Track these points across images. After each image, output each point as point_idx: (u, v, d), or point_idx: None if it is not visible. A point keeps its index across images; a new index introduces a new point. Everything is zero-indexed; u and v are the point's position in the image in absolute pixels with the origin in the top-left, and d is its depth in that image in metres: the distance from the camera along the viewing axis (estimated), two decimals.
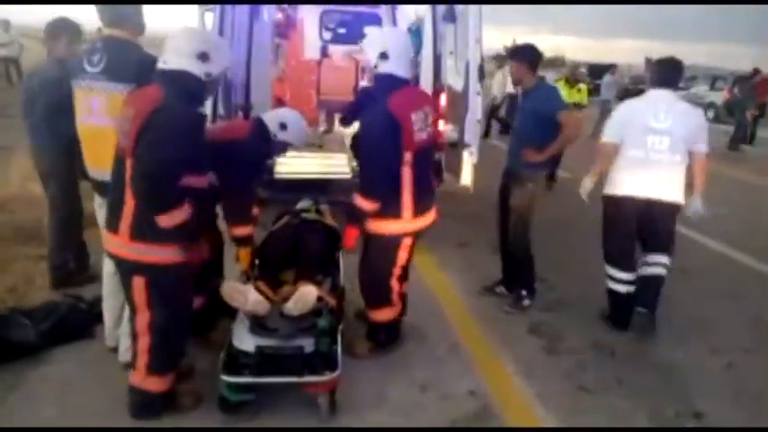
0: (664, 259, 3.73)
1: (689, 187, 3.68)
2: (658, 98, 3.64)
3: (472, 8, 4.38)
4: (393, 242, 3.14)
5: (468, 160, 4.59)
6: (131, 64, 2.74)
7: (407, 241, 3.15)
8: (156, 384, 2.58)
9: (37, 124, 3.62)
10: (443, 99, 4.97)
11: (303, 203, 4.07)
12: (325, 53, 7.63)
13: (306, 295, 2.86)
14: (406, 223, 3.08)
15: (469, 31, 4.39)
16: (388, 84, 3.00)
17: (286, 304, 2.88)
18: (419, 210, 3.08)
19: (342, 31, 8.25)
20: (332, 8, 7.97)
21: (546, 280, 4.39)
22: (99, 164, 2.82)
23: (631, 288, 3.76)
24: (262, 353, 2.67)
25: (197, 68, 2.40)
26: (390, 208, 3.03)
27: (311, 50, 7.68)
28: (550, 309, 4.10)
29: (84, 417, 2.68)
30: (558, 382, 3.23)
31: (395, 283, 3.24)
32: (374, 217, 3.05)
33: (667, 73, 3.71)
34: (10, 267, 4.10)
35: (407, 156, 2.96)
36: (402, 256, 3.18)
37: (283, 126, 3.18)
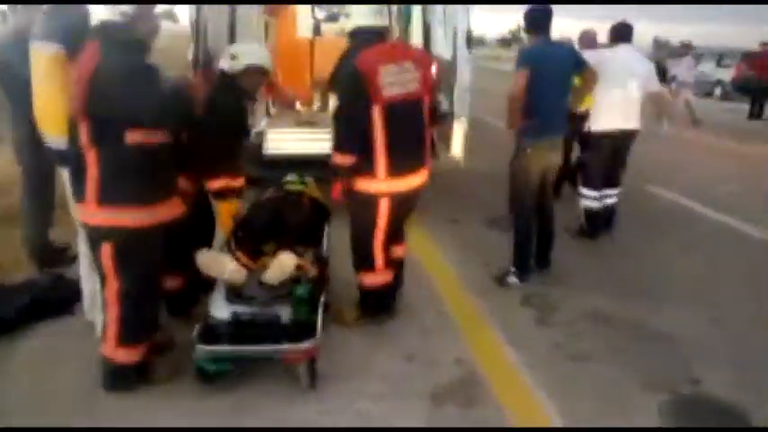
0: (616, 191, 4.87)
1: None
2: (628, 50, 4.60)
3: None
4: (370, 202, 3.03)
5: (459, 130, 4.48)
6: (61, 23, 2.67)
7: (385, 204, 3.03)
8: (126, 356, 2.51)
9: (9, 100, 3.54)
10: (434, 69, 4.83)
11: (289, 177, 3.98)
12: (318, 32, 7.50)
13: (283, 262, 2.79)
14: (380, 183, 2.97)
15: None
16: (360, 40, 2.97)
17: (264, 273, 2.80)
18: (396, 169, 2.96)
19: (335, 9, 8.12)
20: None
21: None
22: (49, 130, 2.74)
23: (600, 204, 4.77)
24: (237, 321, 2.60)
25: (109, 12, 2.28)
26: (364, 165, 2.95)
27: (304, 29, 7.55)
28: (545, 280, 4.00)
29: (59, 391, 2.62)
30: (548, 352, 3.15)
31: (378, 248, 3.15)
32: (352, 173, 2.98)
33: (626, 32, 4.65)
34: None
35: (375, 110, 2.86)
36: (382, 220, 3.06)
37: (233, 56, 3.02)
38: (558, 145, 3.95)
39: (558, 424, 2.57)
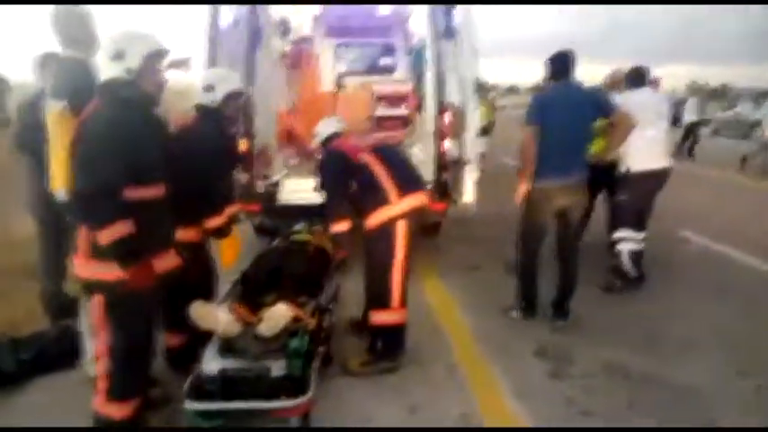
0: (644, 234, 4.63)
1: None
2: (650, 92, 4.65)
3: (466, 24, 4.31)
4: (389, 230, 3.14)
5: (470, 177, 4.42)
6: (67, 80, 2.75)
7: (402, 226, 3.14)
8: (117, 411, 2.47)
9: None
10: (447, 118, 4.84)
11: (297, 226, 3.99)
12: (340, 84, 7.68)
13: (277, 314, 2.73)
14: (394, 206, 3.14)
15: (464, 44, 4.29)
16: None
17: (259, 325, 2.75)
18: (404, 188, 3.17)
19: (357, 62, 8.35)
20: (347, 40, 8.08)
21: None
22: (53, 184, 2.82)
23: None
24: (225, 376, 2.53)
25: (115, 70, 2.31)
26: (376, 198, 3.16)
27: (327, 82, 7.75)
28: (563, 329, 3.81)
29: None
30: (560, 407, 2.96)
31: (396, 282, 3.16)
32: (366, 215, 3.19)
33: (643, 77, 4.62)
34: (14, 300, 4.15)
35: (362, 156, 3.25)
36: (400, 244, 3.14)
37: (209, 88, 3.04)
38: (573, 188, 3.81)
39: None
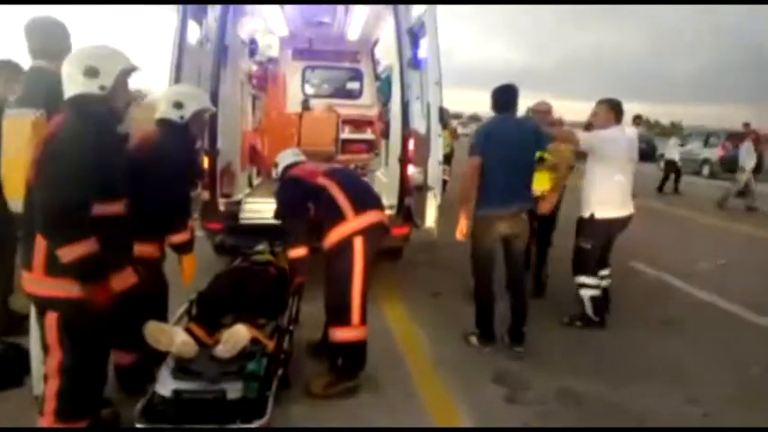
0: (608, 270, 4.67)
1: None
2: (623, 131, 4.42)
3: (431, 55, 4.43)
4: (346, 246, 3.18)
5: (432, 203, 4.49)
6: (41, 89, 2.68)
7: (359, 242, 3.18)
8: None
9: None
10: (411, 144, 4.92)
11: (258, 247, 3.95)
12: (306, 106, 7.73)
13: (235, 335, 2.69)
14: (351, 222, 3.20)
15: (429, 73, 4.41)
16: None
17: (216, 347, 2.70)
18: (359, 205, 3.24)
19: (324, 85, 8.43)
20: (314, 64, 8.17)
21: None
22: (12, 195, 2.71)
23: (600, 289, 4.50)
24: (179, 398, 2.46)
25: (88, 86, 2.27)
26: (333, 217, 3.22)
27: (293, 104, 7.79)
28: (520, 357, 3.87)
29: None
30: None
31: (355, 298, 3.18)
32: (325, 234, 3.25)
33: (621, 112, 4.44)
34: None
35: (319, 179, 3.34)
36: (358, 261, 3.17)
37: (179, 105, 3.05)
38: (513, 218, 3.92)
39: None
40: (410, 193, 4.90)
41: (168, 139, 3.02)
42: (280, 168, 3.72)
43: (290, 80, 7.96)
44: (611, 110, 4.33)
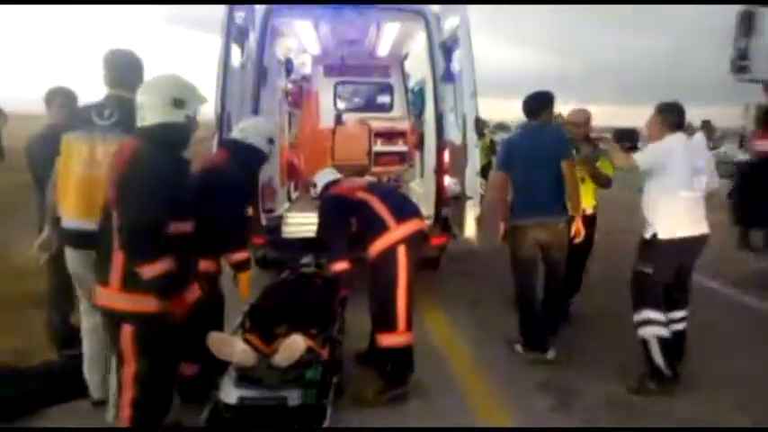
0: (684, 313, 3.86)
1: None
2: (685, 139, 3.75)
3: (466, 67, 4.54)
4: (390, 254, 3.30)
5: (471, 212, 4.57)
6: (130, 117, 2.86)
7: (402, 251, 3.29)
8: None
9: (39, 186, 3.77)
10: (447, 155, 5.02)
11: (305, 260, 4.09)
12: (339, 121, 7.90)
13: (292, 345, 2.81)
14: (393, 232, 3.32)
15: (465, 87, 4.51)
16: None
17: (274, 356, 2.82)
18: (400, 215, 3.37)
19: (355, 99, 8.61)
20: (346, 79, 8.35)
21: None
22: (90, 214, 2.89)
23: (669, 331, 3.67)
24: (243, 405, 2.59)
25: (175, 115, 2.46)
26: (376, 228, 3.35)
27: (326, 119, 7.97)
28: (565, 366, 3.88)
29: None
30: None
31: (401, 304, 3.29)
32: (369, 245, 3.36)
33: (682, 118, 3.78)
34: (20, 330, 4.15)
35: (359, 194, 3.50)
36: (402, 268, 3.28)
37: (272, 141, 3.53)
38: (547, 226, 3.98)
39: None
40: (447, 203, 4.99)
41: (232, 161, 3.27)
42: (319, 188, 3.85)
43: (323, 96, 8.14)
44: (659, 115, 3.73)
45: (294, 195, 6.94)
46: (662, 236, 3.59)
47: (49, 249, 3.35)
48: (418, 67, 7.13)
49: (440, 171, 5.01)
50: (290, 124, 7.19)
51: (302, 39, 6.81)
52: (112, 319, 2.50)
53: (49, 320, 3.99)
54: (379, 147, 7.67)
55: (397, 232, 3.33)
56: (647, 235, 3.68)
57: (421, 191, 6.17)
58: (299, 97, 7.39)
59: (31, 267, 5.47)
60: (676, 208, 3.62)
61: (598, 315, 4.75)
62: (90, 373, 3.17)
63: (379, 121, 7.96)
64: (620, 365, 3.87)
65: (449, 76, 5.07)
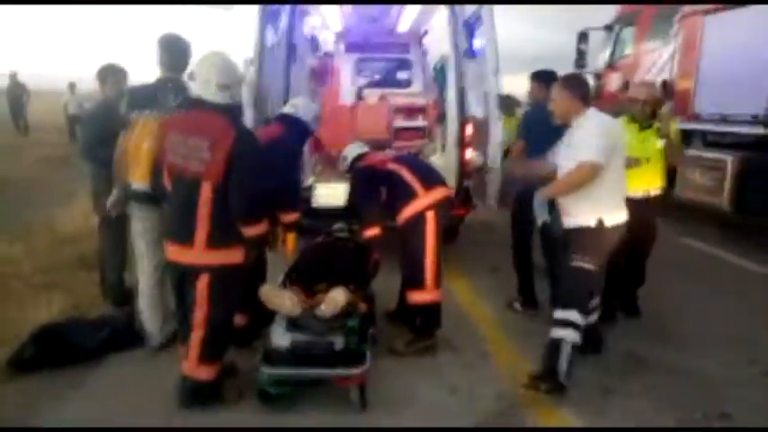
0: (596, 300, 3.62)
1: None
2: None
3: (489, 45, 4.74)
4: (419, 219, 3.59)
5: (493, 182, 4.82)
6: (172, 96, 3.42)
7: (430, 216, 3.58)
8: (205, 373, 2.87)
9: (92, 156, 4.11)
10: (469, 129, 5.26)
11: (337, 226, 4.38)
12: (360, 96, 8.12)
13: (336, 296, 3.11)
14: (422, 198, 3.61)
15: (488, 65, 4.73)
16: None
17: (319, 307, 3.13)
18: (428, 183, 3.66)
19: (375, 76, 8.80)
20: (366, 55, 8.53)
21: None
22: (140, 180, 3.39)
23: None
24: (295, 348, 2.92)
25: (224, 97, 2.87)
26: (406, 195, 3.63)
27: (347, 95, 8.19)
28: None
29: (132, 412, 2.97)
30: (585, 388, 3.28)
31: (429, 264, 3.59)
32: (399, 211, 3.64)
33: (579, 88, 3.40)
34: (74, 289, 4.51)
35: (388, 164, 3.82)
36: (430, 233, 3.57)
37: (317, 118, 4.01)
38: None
39: None
40: (469, 175, 5.24)
41: (288, 134, 3.73)
42: (349, 160, 4.11)
43: (344, 72, 8.35)
44: (567, 89, 3.27)
45: (318, 169, 7.21)
46: (609, 223, 3.17)
47: (118, 208, 3.73)
48: (438, 44, 7.31)
49: (462, 145, 5.24)
50: (314, 101, 7.43)
51: (326, 16, 7.01)
52: (188, 273, 2.84)
53: (103, 280, 4.35)
54: (399, 122, 7.89)
55: (426, 199, 3.62)
56: (590, 222, 3.16)
57: (441, 164, 6.42)
58: (323, 74, 7.62)
59: (76, 234, 5.87)
60: (621, 187, 3.32)
61: None
62: (150, 321, 3.57)
63: (399, 97, 8.16)
64: (640, 326, 4.16)
65: (471, 53, 5.28)
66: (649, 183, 4.02)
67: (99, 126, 4.01)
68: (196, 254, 2.79)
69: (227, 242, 2.80)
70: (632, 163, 3.78)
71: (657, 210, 4.19)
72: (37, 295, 4.25)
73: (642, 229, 3.90)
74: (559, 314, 3.22)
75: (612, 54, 9.62)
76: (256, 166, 2.80)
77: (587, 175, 3.08)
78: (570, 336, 3.14)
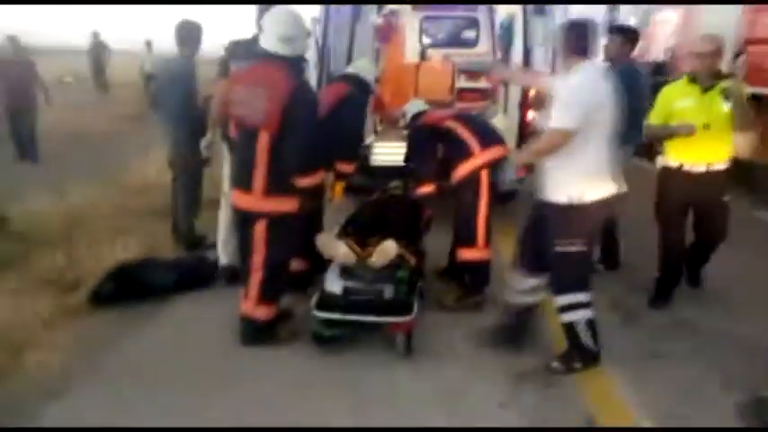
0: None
1: None
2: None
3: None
4: (474, 178, 3.63)
5: None
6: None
7: (485, 175, 3.64)
8: (263, 312, 3.10)
9: (168, 112, 4.37)
10: (532, 90, 5.14)
11: (393, 183, 4.48)
12: (423, 56, 8.04)
13: (387, 248, 3.23)
14: (478, 157, 3.64)
15: (556, 18, 4.58)
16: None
17: (371, 257, 3.26)
18: (485, 142, 3.67)
19: (441, 35, 8.66)
20: (432, 14, 8.39)
21: (630, 264, 4.43)
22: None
23: None
24: (348, 293, 3.08)
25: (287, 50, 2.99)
26: (462, 153, 3.66)
27: (411, 54, 8.12)
28: (631, 291, 4.10)
29: (203, 342, 3.27)
30: (631, 349, 3.30)
31: (481, 223, 3.65)
32: (454, 168, 3.68)
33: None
34: (147, 235, 4.86)
35: (447, 122, 3.85)
36: (484, 191, 3.62)
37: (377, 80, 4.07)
38: None
39: (636, 415, 2.74)
40: (530, 137, 5.16)
41: (356, 90, 3.94)
42: (408, 117, 4.17)
43: (409, 31, 8.26)
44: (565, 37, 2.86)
45: (379, 128, 7.27)
46: (590, 197, 2.81)
47: (209, 151, 4.17)
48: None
49: (524, 106, 5.16)
50: (377, 59, 7.44)
51: None
52: (249, 218, 3.03)
53: (175, 226, 4.66)
54: (462, 83, 7.79)
55: (481, 158, 3.64)
56: (564, 199, 2.84)
57: (503, 126, 6.32)
58: (387, 33, 7.58)
59: (149, 185, 6.26)
60: (604, 154, 2.87)
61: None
62: (225, 244, 3.95)
63: (463, 57, 8.02)
64: (695, 295, 4.06)
65: (540, 10, 5.13)
66: (713, 155, 3.52)
67: (177, 83, 4.26)
68: (254, 200, 2.98)
69: (284, 191, 2.95)
70: (693, 130, 3.39)
71: (723, 187, 3.63)
72: (114, 238, 4.59)
73: (705, 210, 3.65)
74: (562, 300, 2.98)
75: None
76: (310, 118, 2.91)
77: (556, 144, 2.76)
78: (580, 315, 2.96)
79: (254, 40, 3.72)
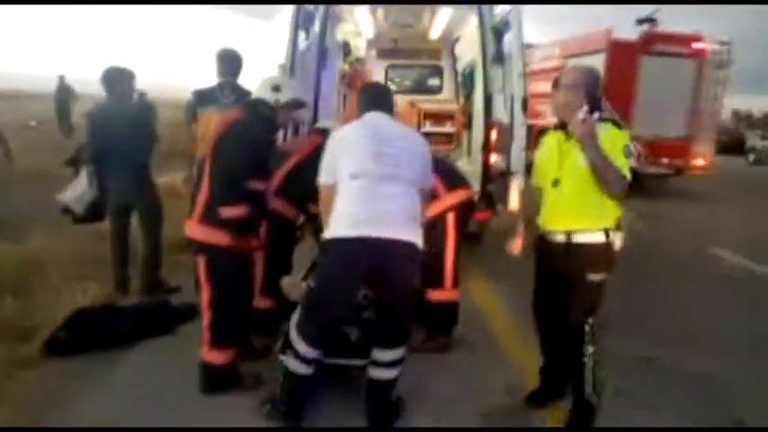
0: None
1: None
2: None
3: (516, 50, 4.80)
4: (441, 220, 3.66)
5: (515, 186, 4.86)
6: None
7: (451, 217, 3.69)
8: (216, 357, 3.01)
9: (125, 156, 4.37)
10: (494, 134, 5.31)
11: None
12: None
13: None
14: (443, 199, 3.67)
15: (513, 68, 4.78)
16: None
17: None
18: (450, 186, 3.72)
19: (406, 82, 8.94)
20: (397, 62, 8.68)
21: None
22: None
23: None
24: None
25: (270, 96, 3.05)
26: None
27: None
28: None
29: (154, 397, 3.12)
30: None
31: (449, 264, 3.68)
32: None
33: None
34: (107, 281, 4.70)
35: None
36: (451, 233, 3.67)
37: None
38: None
39: None
40: (492, 179, 5.29)
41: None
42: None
43: (375, 78, 8.51)
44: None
45: None
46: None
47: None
48: (468, 50, 7.40)
49: (487, 149, 5.30)
50: (344, 105, 7.61)
51: (359, 22, 7.18)
52: (193, 249, 3.03)
53: (123, 278, 4.59)
54: (427, 127, 8.00)
55: (447, 200, 3.70)
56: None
57: (468, 169, 6.47)
58: (354, 79, 7.78)
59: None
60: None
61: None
62: None
63: (428, 103, 8.28)
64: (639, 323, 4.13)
65: (499, 58, 5.35)
66: (571, 220, 2.78)
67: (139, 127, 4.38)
68: (191, 224, 2.96)
69: (215, 222, 2.88)
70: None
71: (591, 263, 2.78)
72: (73, 285, 4.38)
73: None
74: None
75: None
76: (235, 149, 2.89)
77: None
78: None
79: (220, 87, 4.21)
